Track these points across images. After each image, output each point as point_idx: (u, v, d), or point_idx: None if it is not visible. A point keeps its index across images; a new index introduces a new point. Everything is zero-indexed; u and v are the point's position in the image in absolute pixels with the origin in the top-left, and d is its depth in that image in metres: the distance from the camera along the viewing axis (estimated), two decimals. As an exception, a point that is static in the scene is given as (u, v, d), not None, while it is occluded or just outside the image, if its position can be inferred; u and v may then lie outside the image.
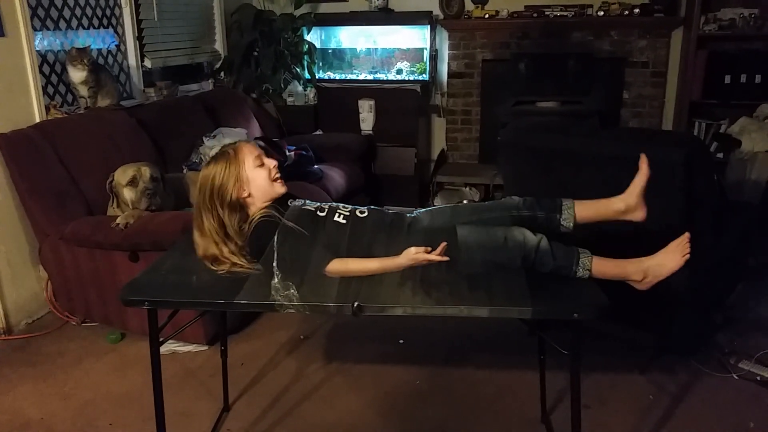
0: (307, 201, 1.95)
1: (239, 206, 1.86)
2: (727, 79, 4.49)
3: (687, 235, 1.78)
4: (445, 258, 1.65)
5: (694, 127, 4.70)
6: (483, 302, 1.63)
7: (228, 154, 1.88)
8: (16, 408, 2.47)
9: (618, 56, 4.79)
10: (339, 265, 1.75)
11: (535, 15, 4.78)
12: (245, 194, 1.87)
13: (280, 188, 1.91)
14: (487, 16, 4.86)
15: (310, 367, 2.70)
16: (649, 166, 1.83)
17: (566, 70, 4.79)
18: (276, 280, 1.70)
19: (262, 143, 4.02)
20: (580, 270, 1.73)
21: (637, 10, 4.61)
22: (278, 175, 1.91)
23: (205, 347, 2.84)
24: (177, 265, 1.92)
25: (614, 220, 1.86)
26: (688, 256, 1.75)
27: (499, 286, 1.69)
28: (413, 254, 1.66)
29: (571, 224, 1.85)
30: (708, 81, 4.54)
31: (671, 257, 1.77)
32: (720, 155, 4.41)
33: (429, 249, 1.65)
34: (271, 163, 1.91)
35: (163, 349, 1.84)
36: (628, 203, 1.84)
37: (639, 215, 1.85)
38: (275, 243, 1.75)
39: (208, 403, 2.45)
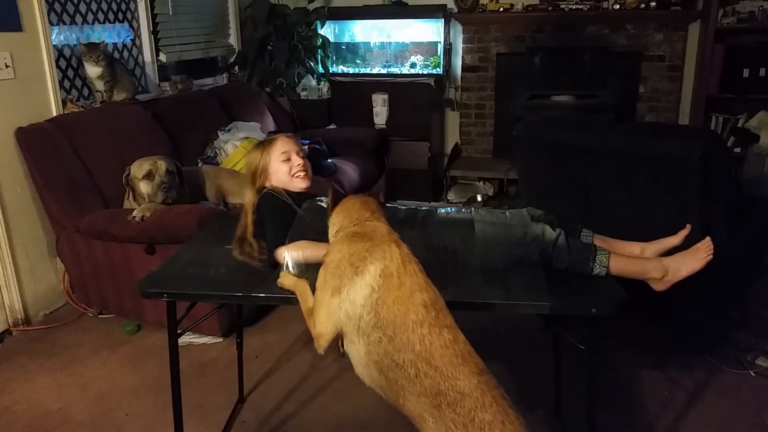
0: (325, 198, 1.97)
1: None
2: (746, 72, 4.44)
3: (708, 239, 1.78)
4: None
5: (711, 121, 4.66)
6: (500, 296, 1.63)
7: (263, 145, 2.05)
8: (34, 398, 2.50)
9: (634, 50, 4.75)
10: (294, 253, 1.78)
11: (550, 8, 4.75)
12: (269, 184, 2.01)
13: (298, 183, 2.02)
14: (501, 9, 4.83)
15: (324, 361, 2.71)
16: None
17: (581, 63, 4.76)
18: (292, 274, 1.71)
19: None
20: (597, 267, 1.72)
21: (653, 4, 4.57)
22: (301, 172, 2.02)
23: (220, 339, 2.86)
24: (195, 258, 1.93)
25: None
26: (711, 257, 1.75)
27: (516, 280, 1.68)
28: None
29: None
30: (725, 75, 4.50)
31: (692, 258, 1.77)
32: (737, 150, 4.37)
33: None
34: (296, 160, 2.02)
35: (180, 341, 1.85)
36: (645, 253, 1.86)
37: None
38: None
39: (223, 395, 2.47)
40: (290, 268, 1.70)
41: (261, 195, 1.95)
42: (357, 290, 1.39)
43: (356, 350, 1.41)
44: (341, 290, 1.41)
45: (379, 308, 1.35)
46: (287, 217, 1.85)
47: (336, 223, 1.57)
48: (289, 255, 1.72)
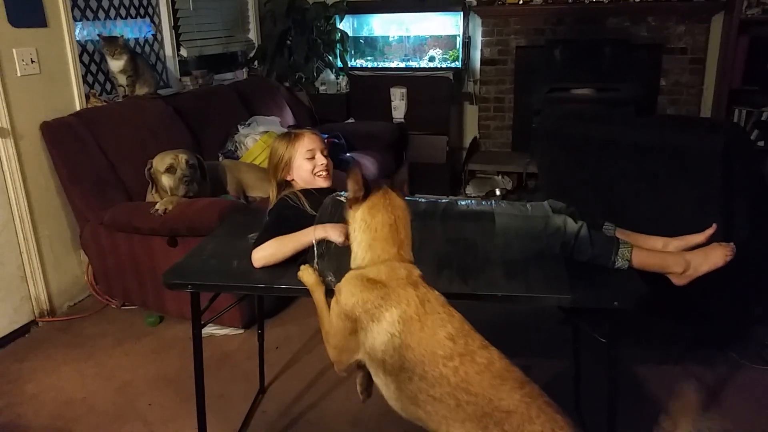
0: (344, 192, 1.98)
1: (286, 184, 2.06)
2: (771, 65, 4.36)
3: (732, 244, 1.78)
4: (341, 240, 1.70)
5: (733, 114, 4.59)
6: (520, 289, 1.63)
7: (289, 138, 2.06)
8: (59, 386, 2.55)
9: (655, 42, 4.69)
10: (260, 253, 1.79)
11: (570, 0, 4.71)
12: (290, 178, 2.05)
13: (320, 183, 2.04)
14: (521, 2, 4.80)
15: (343, 353, 2.73)
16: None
17: (602, 56, 4.71)
18: (315, 267, 1.73)
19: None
20: (619, 260, 1.71)
21: (675, -5, 4.51)
22: (323, 172, 2.04)
23: (241, 331, 2.90)
24: (217, 250, 1.95)
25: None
26: (731, 257, 1.75)
27: (537, 273, 1.68)
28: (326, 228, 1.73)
29: None
30: (749, 67, 4.42)
31: (715, 254, 1.76)
32: (761, 143, 4.30)
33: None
34: (320, 159, 2.04)
35: (202, 332, 1.87)
36: (667, 248, 1.85)
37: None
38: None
39: (244, 386, 2.50)
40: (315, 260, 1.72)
41: (278, 200, 1.98)
42: (375, 336, 1.37)
43: (385, 386, 1.40)
44: (358, 332, 1.41)
45: (403, 351, 1.33)
46: (291, 223, 1.85)
47: (358, 246, 1.49)
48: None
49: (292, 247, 1.78)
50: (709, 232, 1.83)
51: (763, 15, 4.35)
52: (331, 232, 1.73)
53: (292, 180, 2.06)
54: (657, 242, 1.86)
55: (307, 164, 2.03)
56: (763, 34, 4.39)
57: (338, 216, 1.82)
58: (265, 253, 1.78)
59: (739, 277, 2.38)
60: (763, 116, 4.42)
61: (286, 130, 4.02)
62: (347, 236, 1.67)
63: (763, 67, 4.38)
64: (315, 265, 1.72)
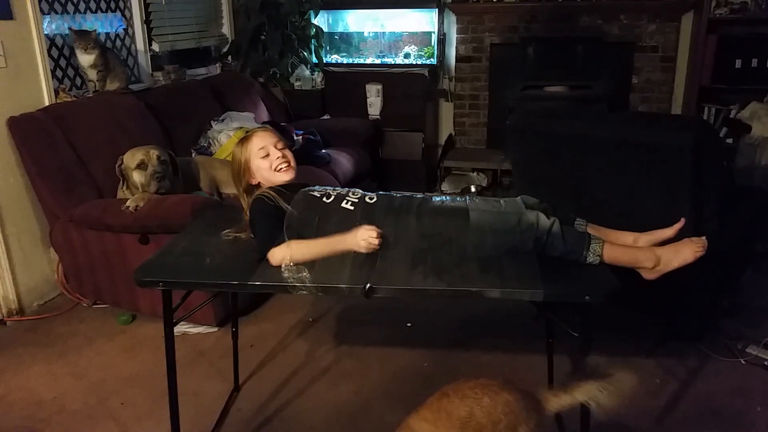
0: (317, 187, 1.97)
1: (254, 189, 2.00)
2: (738, 63, 4.46)
3: (704, 238, 1.81)
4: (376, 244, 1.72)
5: (703, 112, 4.68)
6: (494, 284, 1.63)
7: (242, 143, 2.02)
8: (29, 387, 2.50)
9: (627, 40, 4.76)
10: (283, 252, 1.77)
11: (543, -2, 4.75)
12: (254, 182, 2.01)
13: (282, 177, 1.99)
14: (495, -1, 4.83)
15: (319, 350, 2.73)
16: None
17: (575, 54, 4.76)
18: (289, 266, 1.72)
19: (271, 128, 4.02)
20: (591, 256, 1.73)
21: (647, -6, 4.58)
22: (281, 165, 1.99)
23: (215, 329, 2.87)
24: (190, 247, 1.93)
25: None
26: (702, 253, 1.77)
27: (510, 268, 1.69)
28: (363, 233, 1.73)
29: None
30: (718, 65, 4.51)
31: (685, 249, 1.79)
32: (730, 140, 4.39)
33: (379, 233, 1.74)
34: (275, 154, 1.99)
35: (175, 330, 1.85)
36: (637, 243, 1.88)
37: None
38: (284, 229, 1.81)
39: (219, 384, 2.48)
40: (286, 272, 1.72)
41: (253, 199, 1.94)
42: None
43: None
44: None
45: None
46: (277, 220, 1.84)
47: None
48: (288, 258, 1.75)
49: (320, 253, 1.77)
50: (678, 226, 1.86)
51: (731, 15, 4.44)
52: (362, 243, 1.74)
53: (258, 183, 2.01)
54: (627, 237, 1.89)
55: (264, 162, 1.97)
56: (731, 33, 4.48)
57: (308, 211, 1.83)
58: (292, 254, 1.75)
59: (708, 271, 2.43)
60: (731, 114, 4.52)
61: (259, 125, 4.00)
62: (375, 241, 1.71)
63: (732, 66, 4.47)
64: (289, 264, 1.72)
